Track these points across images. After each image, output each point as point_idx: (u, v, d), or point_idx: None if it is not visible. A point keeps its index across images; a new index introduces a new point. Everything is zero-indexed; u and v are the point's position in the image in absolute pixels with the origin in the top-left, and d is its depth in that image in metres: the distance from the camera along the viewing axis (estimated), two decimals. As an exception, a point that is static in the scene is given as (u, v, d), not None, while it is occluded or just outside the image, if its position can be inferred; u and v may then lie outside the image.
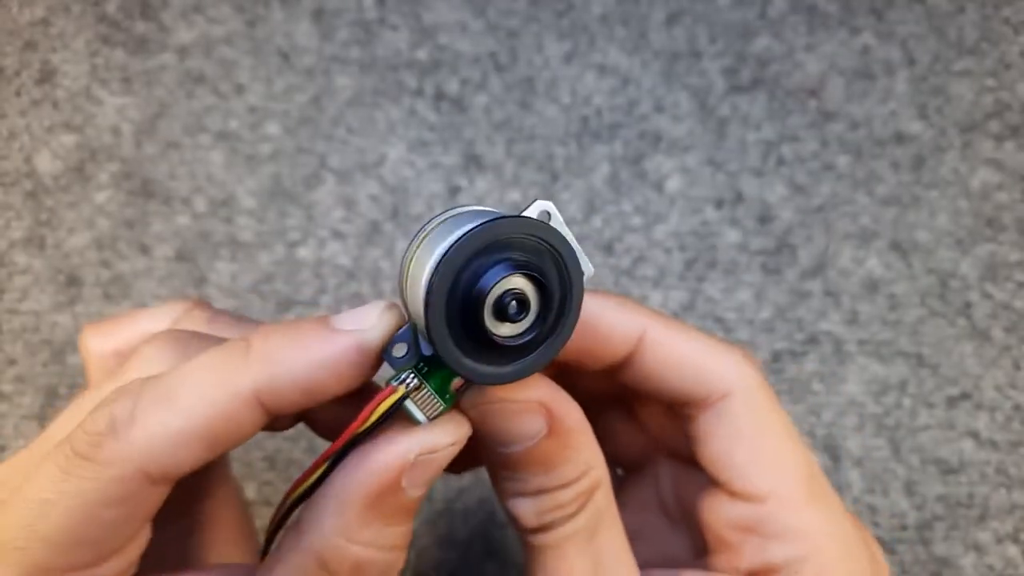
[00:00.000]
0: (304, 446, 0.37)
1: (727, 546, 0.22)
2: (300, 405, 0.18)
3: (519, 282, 0.17)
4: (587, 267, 0.19)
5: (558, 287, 0.17)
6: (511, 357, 0.18)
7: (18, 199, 0.40)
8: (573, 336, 0.18)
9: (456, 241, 0.16)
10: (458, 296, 0.16)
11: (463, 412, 0.20)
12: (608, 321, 0.22)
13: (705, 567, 0.23)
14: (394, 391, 0.18)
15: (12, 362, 0.38)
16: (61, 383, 0.37)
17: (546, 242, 0.17)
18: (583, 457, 0.20)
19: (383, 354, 0.18)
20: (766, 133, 0.42)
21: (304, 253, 0.39)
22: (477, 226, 0.16)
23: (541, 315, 0.17)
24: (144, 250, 0.39)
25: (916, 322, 0.39)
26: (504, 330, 0.17)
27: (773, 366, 0.39)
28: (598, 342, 0.22)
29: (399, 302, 0.19)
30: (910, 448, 0.38)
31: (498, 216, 0.17)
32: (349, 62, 0.42)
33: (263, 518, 0.36)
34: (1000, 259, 0.40)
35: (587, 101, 0.42)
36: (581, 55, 0.43)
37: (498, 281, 0.16)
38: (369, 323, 0.18)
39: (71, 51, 0.42)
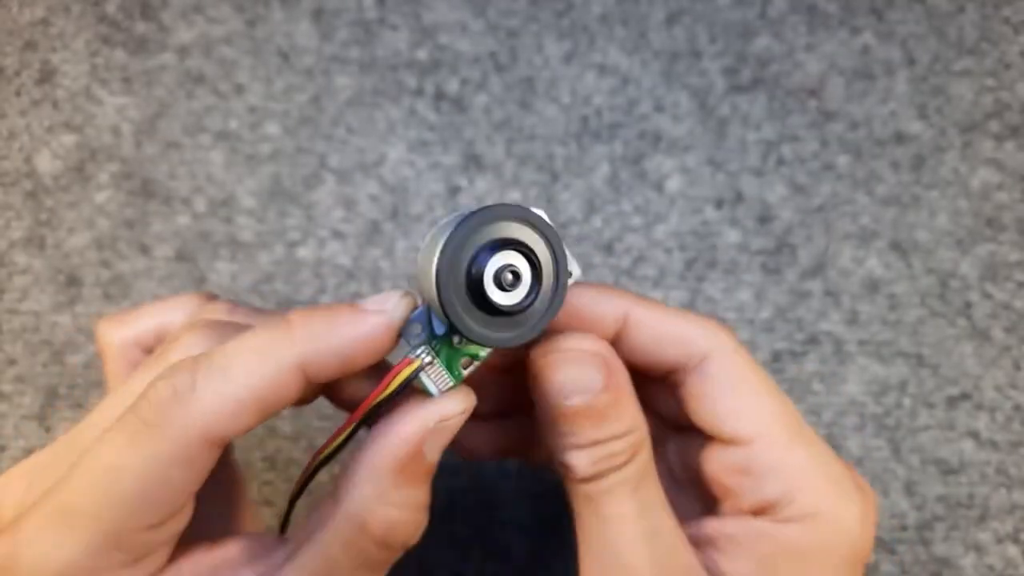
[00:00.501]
0: (304, 445, 0.37)
1: (728, 491, 0.25)
2: (336, 374, 0.21)
3: (512, 257, 0.20)
4: (574, 267, 0.22)
5: (549, 259, 0.21)
6: (515, 324, 0.21)
7: (18, 199, 0.40)
8: (567, 312, 0.21)
9: (455, 229, 0.19)
10: (462, 274, 0.20)
11: (532, 368, 0.23)
12: (596, 308, 0.25)
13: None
14: (411, 363, 0.21)
15: (12, 362, 0.38)
16: (61, 383, 0.37)
17: (528, 222, 0.20)
18: (631, 414, 0.23)
19: (401, 332, 0.21)
20: (766, 133, 0.42)
21: (304, 253, 0.39)
22: (470, 214, 0.20)
23: (534, 284, 0.20)
24: (144, 250, 0.39)
25: (916, 322, 0.39)
26: (505, 299, 0.20)
27: (773, 366, 0.39)
28: (589, 325, 0.25)
29: (415, 291, 0.22)
30: (910, 448, 0.38)
31: (487, 206, 0.20)
32: (349, 62, 0.42)
33: (264, 518, 0.36)
34: (1000, 259, 0.40)
35: (587, 101, 0.42)
36: (581, 55, 0.43)
37: (492, 257, 0.19)
38: (392, 305, 0.21)
39: (71, 51, 0.42)
